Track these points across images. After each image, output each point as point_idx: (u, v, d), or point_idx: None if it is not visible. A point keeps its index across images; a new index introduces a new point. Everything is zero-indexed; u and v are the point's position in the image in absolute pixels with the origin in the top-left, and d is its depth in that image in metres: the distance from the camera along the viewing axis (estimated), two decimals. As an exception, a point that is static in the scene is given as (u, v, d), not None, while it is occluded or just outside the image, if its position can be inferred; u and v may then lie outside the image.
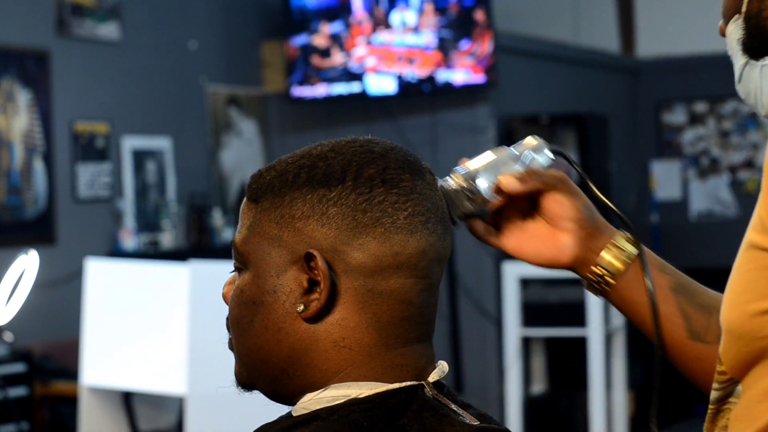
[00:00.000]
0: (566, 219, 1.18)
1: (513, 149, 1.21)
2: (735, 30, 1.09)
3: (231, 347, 1.12)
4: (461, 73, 6.13)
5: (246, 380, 1.11)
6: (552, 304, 5.73)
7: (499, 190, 1.16)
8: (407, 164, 1.08)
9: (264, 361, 1.07)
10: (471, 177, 1.17)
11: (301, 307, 1.04)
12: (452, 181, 1.17)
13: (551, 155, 1.23)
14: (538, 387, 6.26)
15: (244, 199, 1.11)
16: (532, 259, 1.20)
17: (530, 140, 1.23)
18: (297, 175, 1.06)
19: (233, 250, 1.10)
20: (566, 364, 6.22)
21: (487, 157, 1.20)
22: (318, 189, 1.05)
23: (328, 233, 1.04)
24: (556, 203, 1.18)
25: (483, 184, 1.17)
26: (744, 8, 1.07)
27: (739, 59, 1.09)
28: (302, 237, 1.05)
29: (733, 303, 0.93)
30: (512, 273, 5.64)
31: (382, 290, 1.04)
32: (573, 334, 5.70)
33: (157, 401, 3.96)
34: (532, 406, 6.04)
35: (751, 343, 0.91)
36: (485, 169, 1.18)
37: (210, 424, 3.39)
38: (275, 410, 1.11)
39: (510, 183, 1.16)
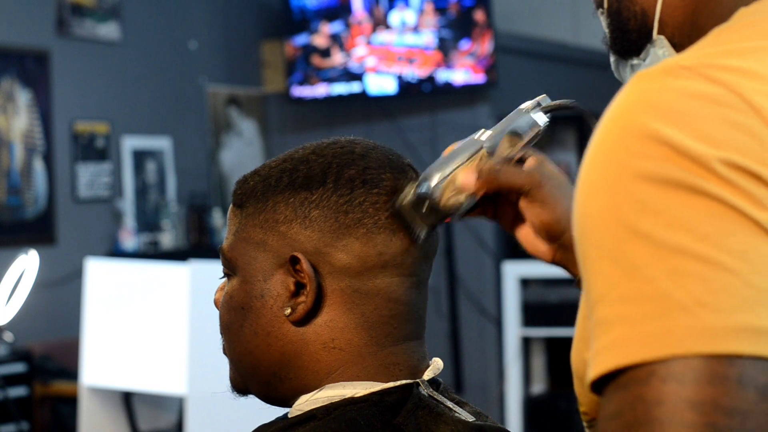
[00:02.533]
0: (534, 226, 1.10)
1: (495, 128, 1.11)
2: (602, 23, 1.00)
3: (225, 353, 1.12)
4: (461, 73, 6.13)
5: (241, 385, 1.11)
6: (552, 304, 5.73)
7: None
8: (388, 163, 1.08)
9: (255, 365, 1.08)
10: (423, 187, 1.06)
11: (289, 311, 1.05)
12: (406, 198, 1.06)
13: (544, 118, 1.13)
14: (538, 387, 6.26)
15: (231, 206, 1.12)
16: (526, 248, 1.15)
17: (526, 104, 1.15)
18: (279, 179, 1.07)
19: (221, 257, 1.11)
20: (566, 364, 6.19)
21: (446, 153, 1.10)
22: (300, 192, 1.05)
23: (311, 236, 1.04)
24: (525, 208, 1.10)
25: (435, 190, 1.06)
26: (605, 3, 0.98)
27: (610, 55, 1.02)
28: (286, 240, 1.05)
29: (575, 348, 0.88)
30: (512, 273, 5.64)
31: (368, 290, 1.05)
32: (573, 334, 5.69)
33: (157, 401, 3.96)
34: (532, 406, 6.04)
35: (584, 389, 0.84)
36: (438, 169, 1.08)
37: (210, 424, 3.39)
38: (275, 410, 1.11)
39: (467, 182, 1.07)
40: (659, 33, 0.91)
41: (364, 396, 1.03)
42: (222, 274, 1.12)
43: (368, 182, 1.05)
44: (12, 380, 4.57)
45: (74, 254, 5.26)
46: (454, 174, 1.08)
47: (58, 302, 5.24)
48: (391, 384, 1.04)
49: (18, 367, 4.74)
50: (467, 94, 6.24)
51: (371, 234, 1.04)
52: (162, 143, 6.11)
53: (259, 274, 1.06)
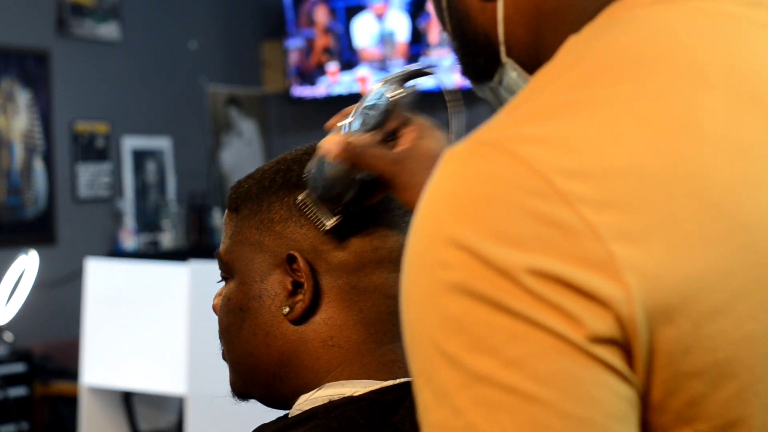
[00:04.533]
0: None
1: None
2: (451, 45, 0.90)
3: (224, 358, 1.12)
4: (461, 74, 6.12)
5: (241, 389, 1.11)
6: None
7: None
8: None
9: (256, 366, 1.08)
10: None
11: (287, 310, 1.05)
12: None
13: (399, 92, 1.04)
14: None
15: (226, 210, 1.12)
16: None
17: (389, 75, 1.07)
18: (273, 180, 1.08)
19: (218, 261, 1.11)
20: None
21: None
22: (294, 191, 1.06)
23: (307, 234, 1.05)
24: (396, 196, 1.02)
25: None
26: (449, 26, 0.87)
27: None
28: (283, 240, 1.05)
29: None
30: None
31: (365, 286, 1.05)
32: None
33: (157, 401, 3.96)
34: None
35: None
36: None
37: (210, 424, 3.39)
38: (275, 411, 1.11)
39: (326, 147, 1.00)
40: (507, 55, 0.83)
41: (364, 395, 1.03)
42: (220, 279, 1.13)
43: None
44: (12, 380, 4.57)
45: (74, 254, 5.26)
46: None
47: (58, 302, 5.24)
48: (390, 382, 1.04)
49: (18, 367, 4.74)
50: (467, 94, 6.23)
51: (367, 230, 1.05)
52: (162, 143, 6.11)
53: (257, 275, 1.07)
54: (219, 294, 1.13)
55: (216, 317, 1.13)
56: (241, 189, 1.10)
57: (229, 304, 1.09)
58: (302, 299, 1.04)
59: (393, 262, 1.05)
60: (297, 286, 1.05)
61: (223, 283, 1.12)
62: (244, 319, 1.07)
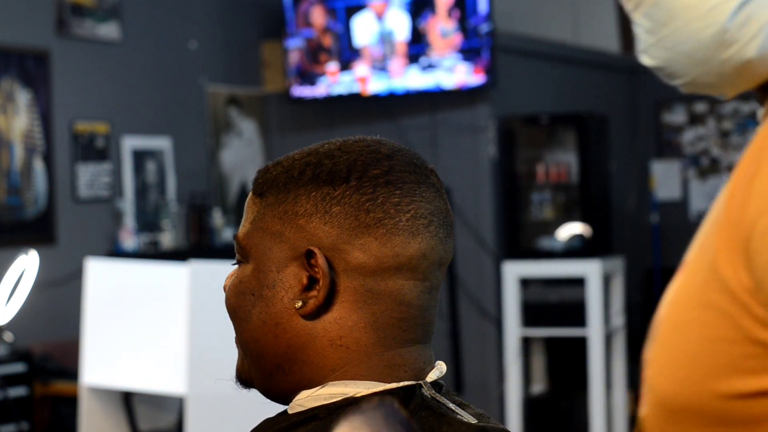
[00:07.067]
0: None
1: None
2: None
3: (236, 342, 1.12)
4: (461, 73, 6.12)
5: (246, 375, 1.11)
6: (552, 304, 5.73)
7: None
8: (412, 166, 1.08)
9: (261, 354, 1.08)
10: None
11: (300, 304, 1.05)
12: None
13: None
14: (538, 387, 6.26)
15: (250, 193, 1.11)
16: None
17: None
18: (302, 172, 1.07)
19: (235, 243, 1.11)
20: (566, 364, 6.22)
21: None
22: (322, 187, 1.05)
23: (330, 231, 1.04)
24: None
25: None
26: None
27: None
28: (304, 234, 1.05)
29: (681, 377, 0.75)
30: (512, 273, 5.65)
31: (381, 291, 1.05)
32: (573, 334, 5.70)
33: (157, 401, 3.96)
34: (532, 406, 6.04)
35: (718, 427, 0.74)
36: None
37: (210, 424, 3.39)
38: (275, 410, 1.11)
39: None
40: None
41: (366, 396, 1.03)
42: (233, 267, 1.12)
43: (391, 183, 1.05)
44: (12, 380, 4.57)
45: (74, 254, 5.26)
46: None
47: (58, 302, 5.24)
48: (393, 384, 1.04)
49: (18, 367, 4.74)
50: (467, 94, 6.24)
51: (390, 235, 1.04)
52: (162, 143, 6.11)
53: (273, 265, 1.06)
54: (231, 276, 1.12)
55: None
56: (268, 175, 1.09)
57: (239, 285, 1.09)
58: (316, 296, 1.04)
59: (411, 269, 1.05)
60: (312, 281, 1.04)
61: (237, 265, 1.11)
62: (255, 305, 1.07)
